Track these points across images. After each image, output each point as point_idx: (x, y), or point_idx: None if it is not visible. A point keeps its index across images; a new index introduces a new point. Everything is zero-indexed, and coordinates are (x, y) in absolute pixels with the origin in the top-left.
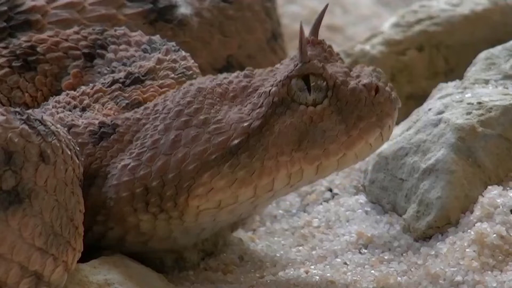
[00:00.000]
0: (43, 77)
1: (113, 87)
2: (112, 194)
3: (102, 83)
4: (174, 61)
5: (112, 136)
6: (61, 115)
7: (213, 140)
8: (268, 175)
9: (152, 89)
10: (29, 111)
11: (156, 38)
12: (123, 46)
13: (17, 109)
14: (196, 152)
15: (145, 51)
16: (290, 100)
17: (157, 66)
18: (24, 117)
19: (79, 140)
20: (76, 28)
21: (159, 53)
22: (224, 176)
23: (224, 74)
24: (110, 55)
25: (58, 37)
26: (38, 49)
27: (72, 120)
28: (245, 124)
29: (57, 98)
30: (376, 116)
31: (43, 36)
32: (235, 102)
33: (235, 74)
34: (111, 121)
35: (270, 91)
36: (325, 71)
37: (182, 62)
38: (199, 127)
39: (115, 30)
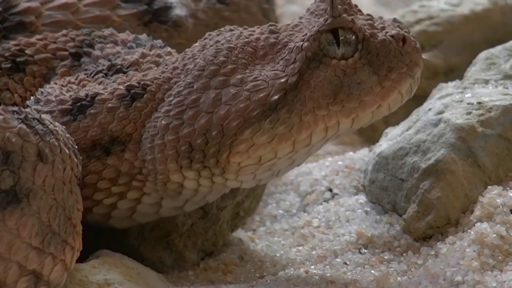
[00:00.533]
0: (31, 78)
1: (96, 76)
2: (156, 154)
3: (85, 74)
4: (159, 55)
5: (145, 96)
6: (73, 91)
7: (253, 97)
8: (306, 130)
9: (135, 77)
10: (27, 109)
11: (143, 36)
12: (109, 45)
13: (15, 108)
14: (237, 109)
15: (130, 47)
16: (322, 54)
17: (141, 60)
18: (22, 116)
19: (109, 105)
20: (64, 31)
21: (144, 48)
22: (265, 132)
23: (248, 30)
24: (96, 53)
25: (46, 40)
26: (27, 51)
27: (93, 89)
28: (282, 80)
29: (45, 89)
30: (406, 66)
31: (32, 40)
32: (266, 59)
33: (259, 30)
34: (139, 82)
35: (302, 46)
36: (355, 25)
37: (167, 57)
38: (238, 85)
39: (103, 31)
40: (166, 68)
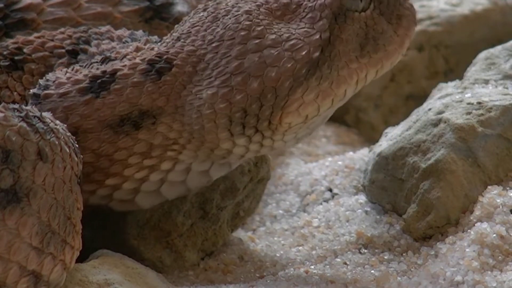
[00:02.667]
0: (30, 76)
1: (91, 66)
2: (206, 124)
3: (80, 65)
4: (153, 48)
5: (172, 70)
6: (87, 69)
7: (296, 56)
8: (344, 84)
9: (149, 52)
10: (28, 107)
11: (139, 32)
12: (105, 41)
13: (16, 106)
14: (286, 69)
15: (125, 43)
16: (345, 8)
17: (135, 53)
18: (23, 114)
19: (134, 80)
20: (62, 29)
21: (139, 42)
22: (312, 89)
23: None
24: (92, 50)
25: (44, 38)
26: (24, 49)
27: (108, 66)
28: (316, 36)
29: (50, 76)
30: (410, 11)
31: (30, 38)
32: (285, 19)
33: None
34: (160, 57)
35: (325, 2)
36: None
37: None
38: (275, 46)
39: (99, 28)
40: (184, 42)
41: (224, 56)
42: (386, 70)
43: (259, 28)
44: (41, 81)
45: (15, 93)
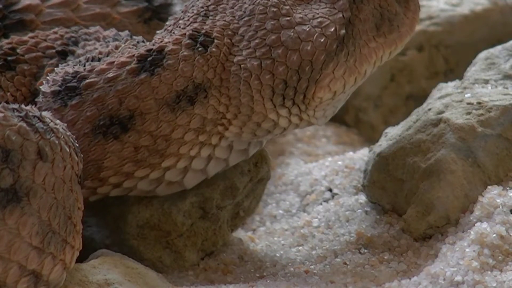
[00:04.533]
0: (22, 77)
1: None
2: (254, 94)
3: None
4: (134, 45)
5: (215, 42)
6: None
7: (325, 32)
8: (365, 62)
9: (188, 28)
10: (28, 107)
11: (123, 33)
12: (91, 42)
13: (15, 106)
14: (319, 44)
15: (107, 43)
16: None
17: (115, 50)
18: (23, 114)
19: (184, 54)
20: (55, 29)
21: (118, 42)
22: (341, 65)
23: None
24: (79, 51)
25: (38, 38)
26: (18, 50)
27: (150, 44)
28: (339, 15)
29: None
30: None
31: (24, 38)
32: (304, 1)
33: None
34: (198, 31)
35: None
36: None
37: (142, 43)
38: (305, 23)
39: (89, 29)
40: (214, 18)
41: (258, 28)
42: (398, 51)
43: (286, 7)
44: (56, 77)
45: (8, 93)
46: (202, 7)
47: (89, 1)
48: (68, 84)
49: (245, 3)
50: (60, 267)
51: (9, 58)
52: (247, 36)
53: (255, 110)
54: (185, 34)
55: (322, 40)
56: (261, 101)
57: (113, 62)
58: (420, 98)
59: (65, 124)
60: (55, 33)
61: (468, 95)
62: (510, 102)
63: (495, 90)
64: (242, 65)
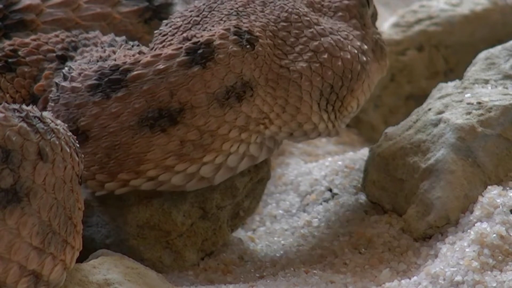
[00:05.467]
0: (22, 79)
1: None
2: (304, 95)
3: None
4: (129, 49)
5: (260, 41)
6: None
7: (354, 44)
8: (372, 81)
9: (226, 24)
10: (29, 107)
11: (120, 38)
12: (89, 48)
13: (16, 106)
14: (353, 54)
15: (103, 48)
16: (363, 12)
17: (113, 54)
18: (23, 114)
19: (233, 49)
20: (57, 32)
21: (114, 47)
22: (367, 77)
23: None
24: (77, 57)
25: (40, 41)
26: (19, 52)
27: (195, 34)
28: (357, 32)
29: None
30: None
31: (26, 40)
32: (316, 14)
33: None
34: (240, 27)
35: (350, 3)
36: None
37: (136, 47)
38: (335, 34)
39: (89, 33)
40: (248, 18)
41: (298, 36)
42: (378, 80)
43: (315, 16)
44: (83, 72)
45: (7, 94)
46: (232, 9)
47: (89, 1)
48: (110, 77)
49: (274, 9)
50: (60, 267)
51: (10, 60)
52: (289, 41)
53: (301, 110)
54: (229, 29)
55: (354, 51)
56: (309, 103)
57: (159, 54)
58: (420, 98)
59: (66, 125)
60: (57, 36)
61: (468, 95)
62: (510, 102)
63: (495, 90)
64: (290, 68)
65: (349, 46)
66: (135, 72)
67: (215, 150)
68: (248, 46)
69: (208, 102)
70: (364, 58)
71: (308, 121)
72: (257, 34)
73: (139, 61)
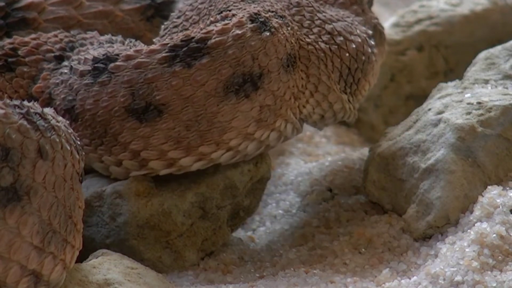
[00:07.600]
0: (20, 79)
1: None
2: (330, 74)
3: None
4: (127, 45)
5: (287, 19)
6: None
7: (360, 29)
8: (378, 65)
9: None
10: (30, 103)
11: (117, 37)
12: (85, 47)
13: (17, 103)
14: (363, 38)
15: (100, 45)
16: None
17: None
18: (24, 111)
19: (279, 21)
20: (56, 32)
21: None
22: (377, 61)
23: None
24: (73, 57)
25: (39, 40)
26: (19, 51)
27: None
28: (359, 18)
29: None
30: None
31: (26, 39)
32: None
33: None
34: (268, 11)
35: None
36: None
37: (132, 44)
38: (342, 20)
39: (87, 33)
40: (264, 2)
41: (312, 18)
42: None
43: (323, 4)
44: (125, 49)
45: (5, 94)
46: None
47: None
48: (189, 46)
49: None
50: (60, 267)
51: (9, 59)
52: (305, 23)
53: (332, 88)
54: (262, 8)
55: (364, 35)
56: (335, 82)
57: (228, 23)
58: (420, 98)
59: (67, 122)
60: (56, 36)
61: (468, 95)
62: (510, 102)
63: (495, 90)
64: (316, 46)
65: (358, 31)
66: (217, 39)
67: (282, 116)
68: (286, 21)
69: (278, 67)
70: (372, 42)
71: (337, 101)
72: (282, 13)
73: (211, 30)
